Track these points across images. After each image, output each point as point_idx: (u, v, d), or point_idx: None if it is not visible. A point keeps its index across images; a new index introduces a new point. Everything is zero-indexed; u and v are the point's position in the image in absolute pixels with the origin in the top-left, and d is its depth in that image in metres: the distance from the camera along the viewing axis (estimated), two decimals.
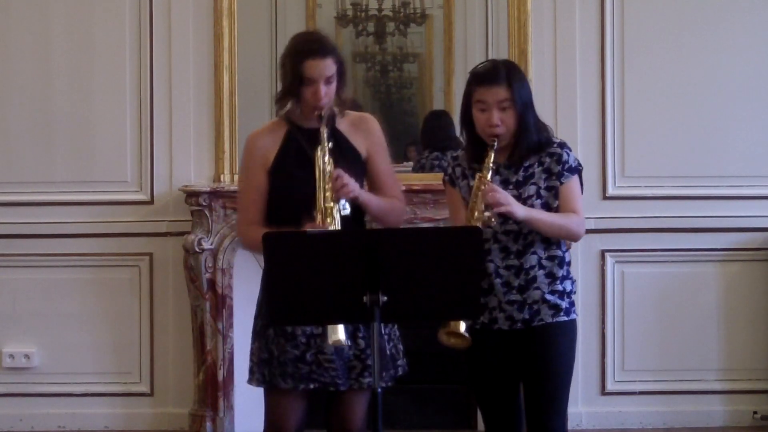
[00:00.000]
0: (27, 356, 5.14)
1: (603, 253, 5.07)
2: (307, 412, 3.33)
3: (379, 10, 5.46)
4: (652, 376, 5.10)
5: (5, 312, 5.14)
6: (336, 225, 3.12)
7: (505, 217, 3.17)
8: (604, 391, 5.10)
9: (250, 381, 3.35)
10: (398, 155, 5.65)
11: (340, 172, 3.16)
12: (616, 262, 5.09)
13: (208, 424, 4.94)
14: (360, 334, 3.23)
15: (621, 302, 5.10)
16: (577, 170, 3.27)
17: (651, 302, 5.11)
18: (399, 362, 3.36)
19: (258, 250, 3.28)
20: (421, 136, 5.46)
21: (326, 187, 3.15)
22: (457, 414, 5.12)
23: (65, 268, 5.12)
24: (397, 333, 3.37)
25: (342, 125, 3.34)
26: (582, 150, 5.03)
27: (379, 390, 2.78)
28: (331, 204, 3.13)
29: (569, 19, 5.06)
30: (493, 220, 3.12)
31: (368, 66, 5.73)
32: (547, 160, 3.25)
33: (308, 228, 3.09)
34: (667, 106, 5.09)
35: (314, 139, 3.24)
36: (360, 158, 3.33)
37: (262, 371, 3.27)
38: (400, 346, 3.37)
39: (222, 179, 5.00)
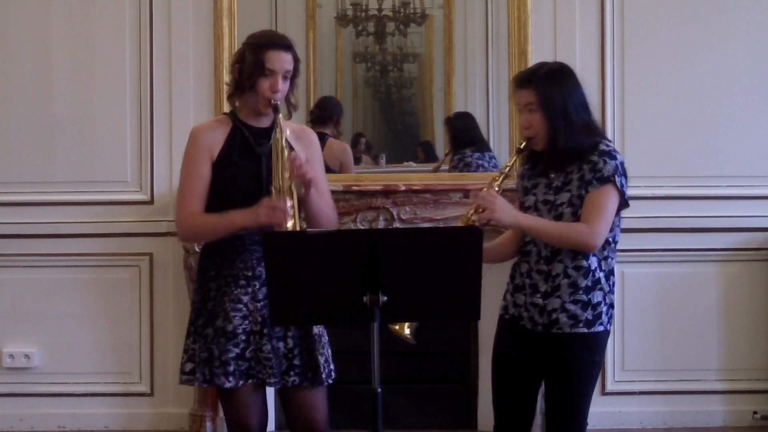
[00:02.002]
0: (27, 356, 5.14)
1: None
2: (266, 404, 3.37)
3: (379, 10, 5.46)
4: (652, 376, 5.10)
5: (5, 312, 5.14)
6: (296, 202, 3.15)
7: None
8: (604, 391, 5.10)
9: (187, 382, 3.32)
10: (399, 155, 5.66)
11: (297, 155, 3.21)
12: (617, 262, 5.08)
13: (208, 424, 4.94)
14: (289, 334, 3.25)
15: (621, 302, 5.09)
16: (608, 180, 3.21)
17: (651, 302, 5.11)
18: (331, 367, 3.35)
19: (201, 237, 3.32)
20: (452, 138, 5.41)
21: (284, 166, 3.17)
22: (457, 414, 5.12)
23: (65, 268, 5.12)
24: (326, 338, 3.36)
25: (286, 131, 3.34)
26: None
27: (379, 390, 2.78)
28: (290, 182, 3.16)
29: (569, 19, 5.06)
30: (476, 222, 3.16)
31: (368, 66, 5.73)
32: (585, 167, 3.23)
33: (266, 204, 3.12)
34: (667, 106, 5.09)
35: (259, 137, 3.28)
36: None
37: (202, 371, 3.27)
38: (329, 352, 3.36)
39: None
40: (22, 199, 5.12)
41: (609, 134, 5.07)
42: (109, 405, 5.13)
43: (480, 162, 5.25)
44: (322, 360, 3.29)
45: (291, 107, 3.37)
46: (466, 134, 5.33)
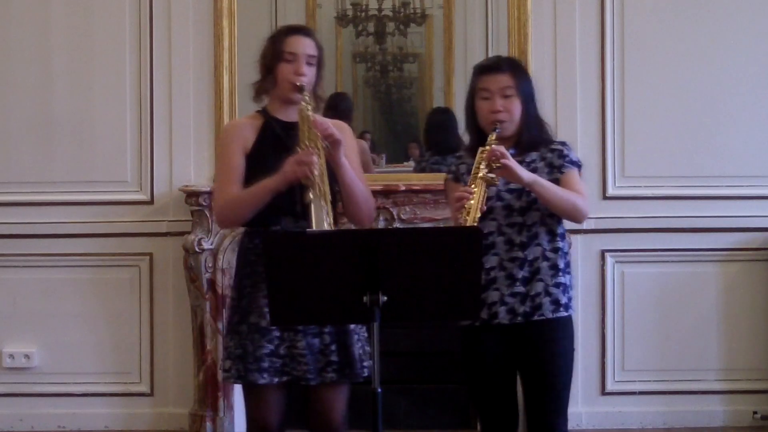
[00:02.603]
0: (27, 356, 5.14)
1: (603, 253, 5.07)
2: (287, 406, 3.36)
3: (379, 10, 5.46)
4: (652, 376, 5.10)
5: (5, 312, 5.14)
6: (323, 161, 3.12)
7: (503, 202, 3.19)
8: (604, 391, 5.10)
9: (226, 379, 3.34)
10: (399, 155, 5.66)
11: (324, 119, 3.20)
12: (616, 262, 5.09)
13: (208, 424, 4.94)
14: (326, 330, 3.24)
15: (621, 302, 5.10)
16: (577, 164, 3.29)
17: (651, 302, 5.11)
18: (365, 363, 3.34)
19: (239, 213, 3.26)
20: (424, 135, 5.43)
21: (309, 130, 3.15)
22: (457, 414, 5.12)
23: (65, 268, 5.12)
24: (365, 334, 3.36)
25: (312, 104, 3.33)
26: (582, 150, 5.01)
27: (379, 390, 2.78)
28: (316, 141, 3.14)
29: (569, 19, 5.06)
30: (496, 179, 3.11)
31: (368, 66, 5.73)
32: (549, 155, 3.28)
33: (292, 160, 3.11)
34: (667, 106, 5.09)
35: (290, 129, 3.26)
36: None
37: (237, 367, 3.27)
38: (367, 348, 3.35)
39: None
40: (22, 199, 5.12)
41: (609, 134, 5.10)
42: (109, 405, 5.13)
43: (435, 166, 5.17)
44: (357, 355, 3.29)
45: (318, 100, 3.36)
46: (437, 132, 5.30)
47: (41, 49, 5.12)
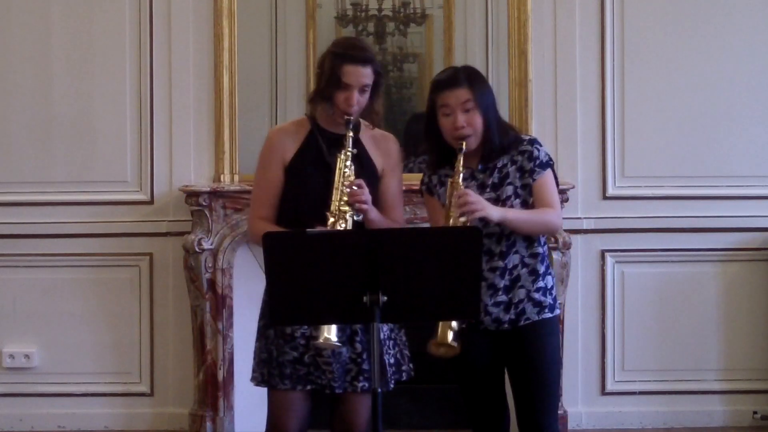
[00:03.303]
0: (27, 356, 5.14)
1: (603, 253, 5.07)
2: (310, 412, 3.36)
3: (379, 10, 5.45)
4: (652, 376, 5.10)
5: (5, 312, 5.14)
6: (348, 225, 3.15)
7: (484, 221, 3.20)
8: (604, 391, 5.10)
9: (251, 380, 3.39)
10: None
11: (362, 182, 3.20)
12: (616, 262, 5.09)
13: (208, 424, 4.94)
14: (357, 338, 3.24)
15: (621, 302, 5.10)
16: (548, 165, 3.29)
17: (651, 302, 5.11)
18: (404, 368, 3.37)
19: (260, 245, 3.31)
20: (404, 141, 5.41)
21: (343, 190, 3.17)
22: (457, 414, 5.11)
23: (65, 268, 5.12)
24: (404, 338, 3.38)
25: (365, 138, 3.36)
26: (582, 150, 5.04)
27: (379, 390, 2.79)
28: (346, 208, 3.16)
29: (569, 19, 5.06)
30: (470, 222, 3.13)
31: None
32: (519, 158, 3.29)
33: (319, 229, 3.11)
34: (667, 106, 5.09)
35: (334, 144, 3.27)
36: (376, 173, 3.36)
37: (261, 371, 3.31)
38: (406, 352, 3.38)
39: (222, 179, 5.00)
40: (22, 199, 5.12)
41: (609, 134, 5.09)
42: (109, 405, 5.13)
43: (422, 166, 5.13)
44: (396, 362, 3.32)
45: (375, 116, 3.37)
46: (411, 140, 5.29)
47: (41, 49, 5.12)
